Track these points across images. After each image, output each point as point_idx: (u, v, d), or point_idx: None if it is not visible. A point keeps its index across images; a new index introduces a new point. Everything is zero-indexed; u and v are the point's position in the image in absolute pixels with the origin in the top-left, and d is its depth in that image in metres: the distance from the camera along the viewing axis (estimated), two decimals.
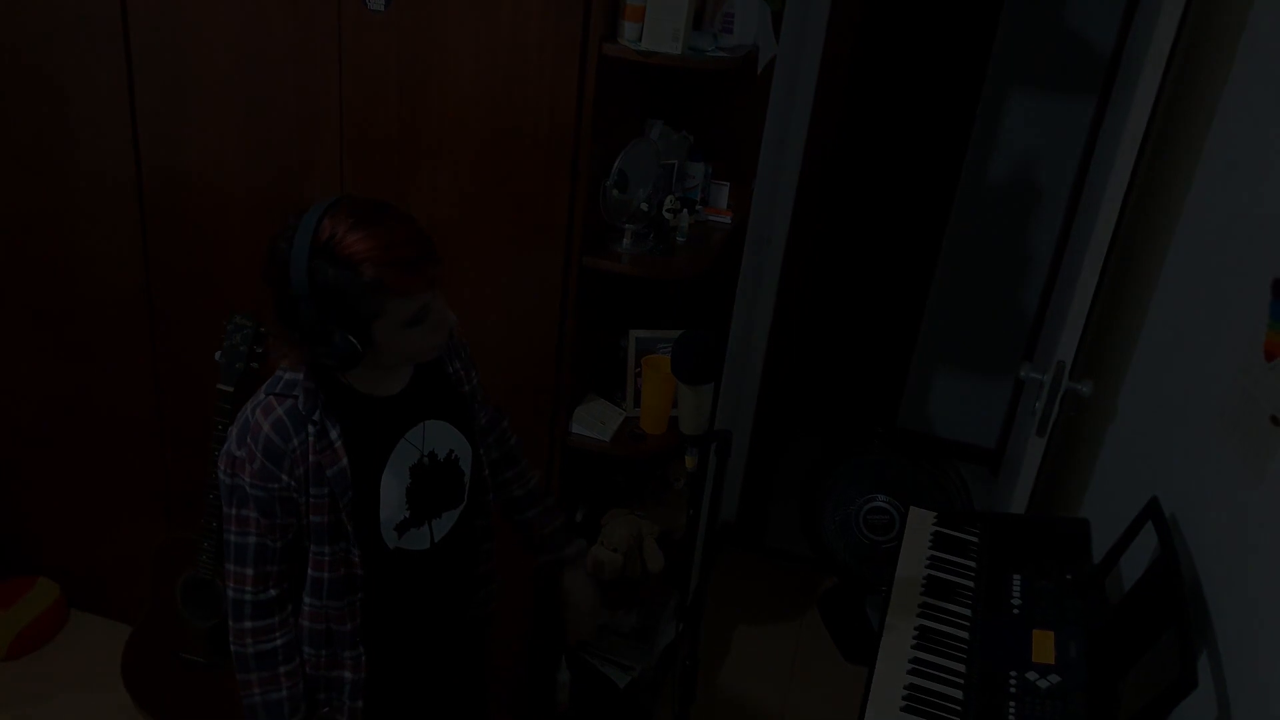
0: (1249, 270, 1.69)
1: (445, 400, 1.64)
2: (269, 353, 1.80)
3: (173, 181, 2.39)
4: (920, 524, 2.20)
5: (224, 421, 2.27)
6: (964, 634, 1.91)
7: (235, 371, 2.26)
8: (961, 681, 1.80)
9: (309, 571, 1.54)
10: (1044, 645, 1.79)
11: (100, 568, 2.95)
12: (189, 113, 2.31)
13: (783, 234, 3.26)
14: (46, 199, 2.52)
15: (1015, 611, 1.90)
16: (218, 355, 2.28)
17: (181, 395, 2.62)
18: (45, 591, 2.95)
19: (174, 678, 2.57)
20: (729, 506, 3.67)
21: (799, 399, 4.19)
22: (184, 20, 2.22)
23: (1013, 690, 1.71)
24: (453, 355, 1.68)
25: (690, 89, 2.54)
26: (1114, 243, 2.18)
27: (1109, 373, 2.48)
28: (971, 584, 2.03)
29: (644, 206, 2.25)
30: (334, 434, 1.48)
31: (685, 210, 2.38)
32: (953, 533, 2.17)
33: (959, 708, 1.75)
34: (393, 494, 1.55)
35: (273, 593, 1.54)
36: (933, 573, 2.04)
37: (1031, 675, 1.73)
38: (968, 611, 1.96)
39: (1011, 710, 1.68)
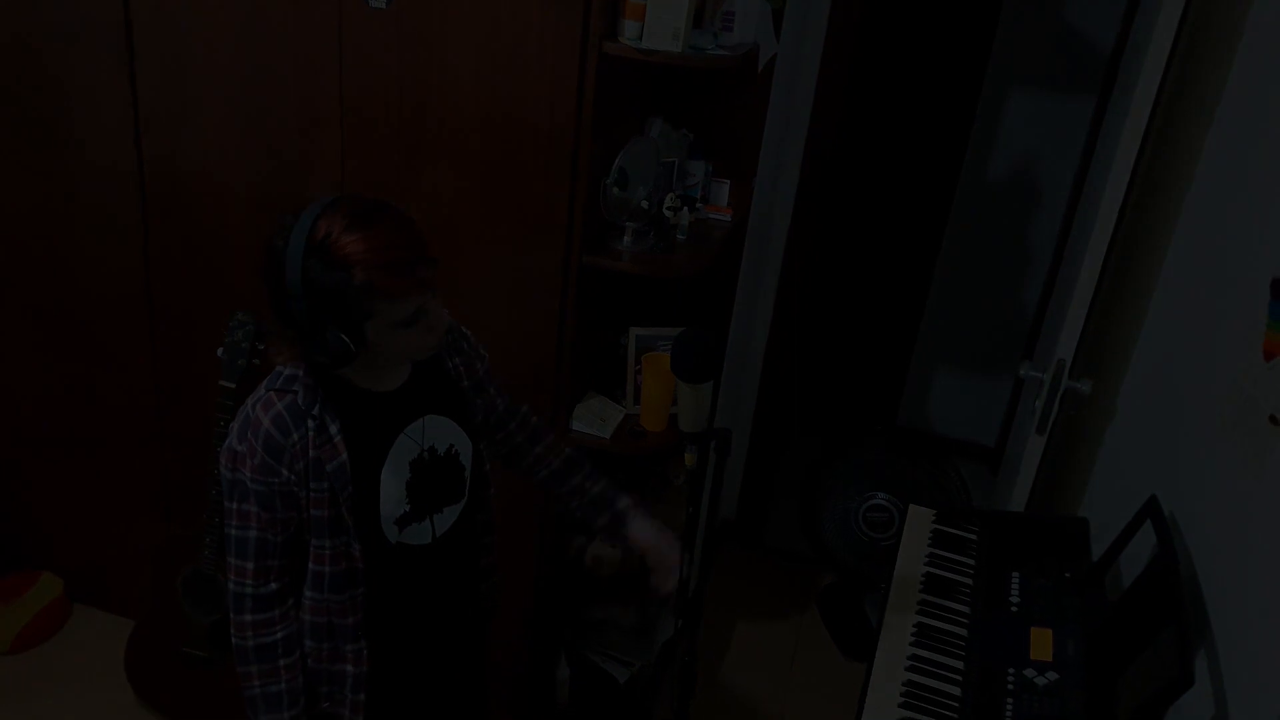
0: (1248, 269, 1.70)
1: (445, 395, 1.65)
2: (270, 349, 1.80)
3: (174, 178, 2.40)
4: (919, 522, 2.20)
5: (226, 418, 2.28)
6: (962, 631, 1.91)
7: (237, 368, 2.27)
8: (960, 678, 1.80)
9: (310, 565, 1.55)
10: (1042, 643, 1.80)
11: (103, 562, 2.96)
12: (191, 110, 2.31)
13: (783, 232, 3.27)
14: (48, 196, 2.52)
15: (1014, 609, 1.91)
16: (219, 352, 2.28)
17: (183, 391, 2.62)
18: (48, 586, 2.96)
19: (177, 672, 2.58)
20: (729, 504, 3.68)
21: (799, 396, 4.19)
22: (186, 18, 2.23)
23: (1010, 687, 1.72)
24: (451, 351, 1.68)
25: (691, 87, 2.55)
26: (1114, 241, 2.18)
27: (1109, 371, 2.49)
28: (970, 581, 2.03)
29: (644, 204, 2.26)
30: (333, 429, 1.49)
31: (685, 208, 2.38)
32: (952, 530, 2.17)
33: (957, 704, 1.75)
34: (392, 488, 1.55)
35: (273, 586, 1.55)
36: (931, 570, 2.05)
37: (1029, 672, 1.73)
38: (966, 609, 1.97)
39: (1009, 707, 1.68)
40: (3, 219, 2.58)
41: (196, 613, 2.48)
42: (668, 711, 1.78)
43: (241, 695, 1.59)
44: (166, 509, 2.79)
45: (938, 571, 2.05)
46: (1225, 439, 1.69)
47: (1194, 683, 1.49)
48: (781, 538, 3.72)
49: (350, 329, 1.41)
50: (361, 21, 2.12)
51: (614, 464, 2.76)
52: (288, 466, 1.47)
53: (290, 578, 1.57)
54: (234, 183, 2.35)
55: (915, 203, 4.06)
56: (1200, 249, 2.06)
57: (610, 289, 2.43)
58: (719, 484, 1.64)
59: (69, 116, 2.42)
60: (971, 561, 2.09)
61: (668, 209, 2.32)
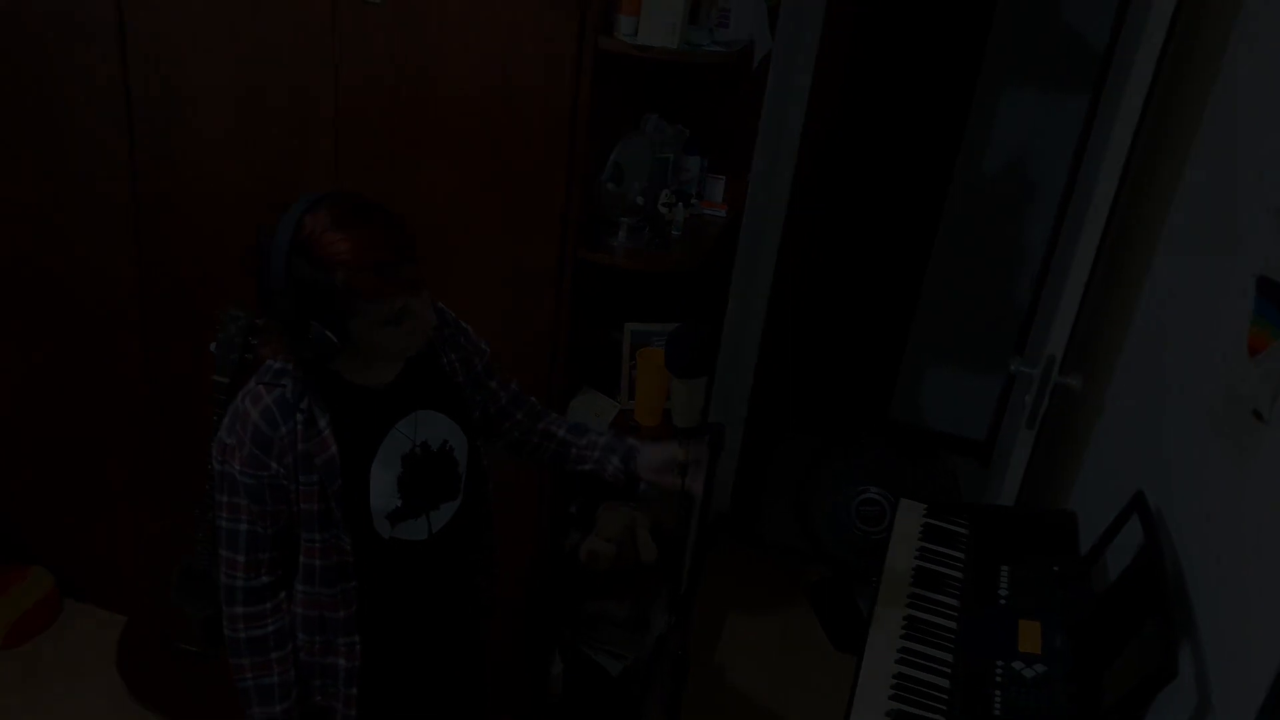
0: (1235, 267, 1.71)
1: (439, 391, 1.65)
2: (261, 344, 1.81)
3: (167, 172, 2.40)
4: (910, 515, 2.22)
5: (219, 412, 2.28)
6: (952, 624, 1.93)
7: (229, 362, 2.27)
8: (949, 671, 1.82)
9: (300, 558, 1.56)
10: (1030, 635, 1.81)
11: (95, 557, 2.96)
12: (184, 104, 2.32)
13: (777, 228, 3.28)
14: (40, 190, 2.52)
15: (1002, 602, 1.93)
16: (212, 346, 2.29)
17: (176, 386, 2.63)
18: (39, 581, 2.96)
19: (169, 667, 2.58)
20: (722, 498, 3.69)
21: (793, 391, 4.21)
22: (179, 12, 2.23)
23: (999, 680, 1.74)
24: (447, 346, 1.68)
25: (686, 83, 2.56)
26: (1104, 238, 2.20)
27: (1098, 367, 2.51)
28: (960, 575, 2.05)
29: (639, 200, 2.27)
30: (322, 422, 1.50)
31: (680, 204, 2.39)
32: (942, 524, 2.19)
33: (946, 697, 1.77)
34: (383, 483, 1.56)
35: (265, 579, 1.56)
36: (922, 564, 2.07)
37: (1017, 665, 1.75)
38: (956, 602, 1.99)
39: (997, 699, 1.70)
40: None
41: (190, 607, 2.48)
42: (660, 704, 1.80)
43: (234, 686, 1.61)
44: (159, 504, 2.79)
45: (928, 565, 2.07)
46: (1211, 434, 1.71)
47: (1178, 674, 1.51)
48: (775, 531, 3.74)
49: (334, 325, 1.41)
50: (357, 16, 2.12)
51: None
52: (276, 459, 1.48)
53: (282, 571, 1.58)
54: (227, 177, 2.35)
55: (909, 199, 4.07)
56: (1189, 247, 2.07)
57: (605, 284, 2.44)
58: (712, 478, 1.65)
59: (61, 112, 2.42)
60: (961, 555, 2.11)
61: (663, 205, 2.33)
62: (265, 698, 1.60)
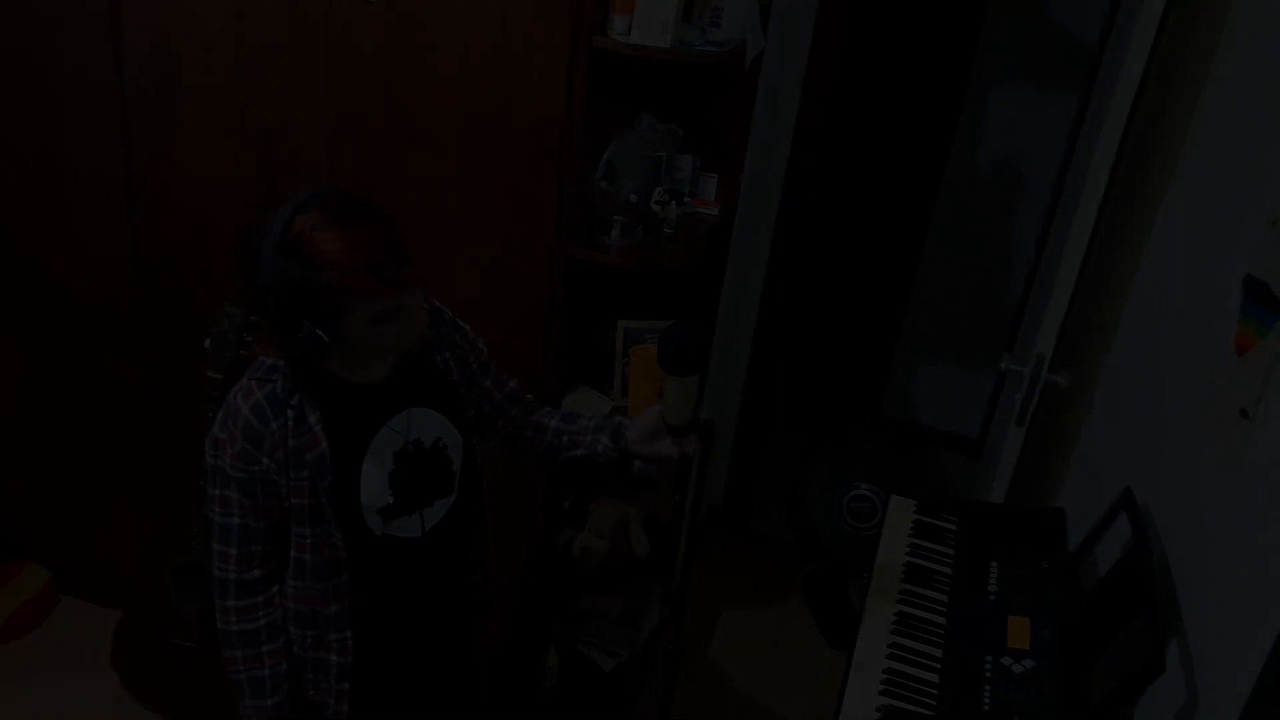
0: (1223, 266, 1.73)
1: (432, 389, 1.66)
2: (255, 340, 1.81)
3: (162, 169, 2.40)
4: (901, 511, 2.24)
5: (213, 408, 2.29)
6: (941, 619, 1.95)
7: (224, 359, 2.27)
8: (938, 666, 1.84)
9: (291, 553, 1.57)
10: (1019, 631, 1.83)
11: (89, 553, 2.96)
12: (178, 100, 2.32)
13: (770, 226, 3.29)
14: (35, 186, 2.52)
15: (991, 598, 1.94)
16: (207, 343, 2.29)
17: (171, 382, 2.63)
18: (34, 576, 2.97)
19: (164, 663, 2.59)
20: (715, 494, 3.71)
21: (786, 388, 4.22)
22: (174, 9, 2.23)
23: (988, 675, 1.75)
24: (442, 345, 1.69)
25: (679, 82, 2.57)
26: (1094, 236, 2.21)
27: (1088, 365, 2.52)
28: (949, 571, 2.07)
29: (633, 198, 2.28)
30: (313, 418, 1.51)
31: (673, 202, 2.40)
32: (932, 520, 2.21)
33: (936, 691, 1.79)
34: (374, 479, 1.57)
35: (257, 573, 1.57)
36: (912, 559, 2.08)
37: (1006, 660, 1.77)
38: (945, 597, 2.00)
39: (986, 694, 1.72)
40: None
41: (185, 603, 2.49)
42: (654, 699, 1.81)
43: (228, 679, 1.62)
44: (155, 499, 2.80)
45: (918, 561, 2.08)
46: (1198, 432, 1.73)
47: (1165, 669, 1.52)
48: (768, 527, 3.75)
49: (325, 324, 1.42)
50: (350, 14, 2.13)
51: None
52: (267, 454, 1.49)
53: (274, 565, 1.59)
54: (222, 174, 2.36)
55: (900, 197, 4.09)
56: (1177, 246, 2.09)
57: (599, 282, 2.45)
58: (705, 475, 1.66)
59: (54, 109, 2.42)
60: (951, 551, 2.12)
61: (655, 203, 2.34)
62: (257, 690, 1.61)
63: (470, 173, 2.19)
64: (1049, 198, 3.81)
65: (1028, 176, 3.87)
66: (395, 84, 2.16)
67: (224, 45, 2.23)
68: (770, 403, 3.75)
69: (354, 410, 1.55)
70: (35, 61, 2.38)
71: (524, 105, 2.10)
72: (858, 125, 4.01)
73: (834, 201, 4.11)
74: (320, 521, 1.55)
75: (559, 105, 2.08)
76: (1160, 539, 1.79)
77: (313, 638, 1.63)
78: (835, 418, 4.37)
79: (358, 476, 1.55)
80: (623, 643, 2.80)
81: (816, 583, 3.46)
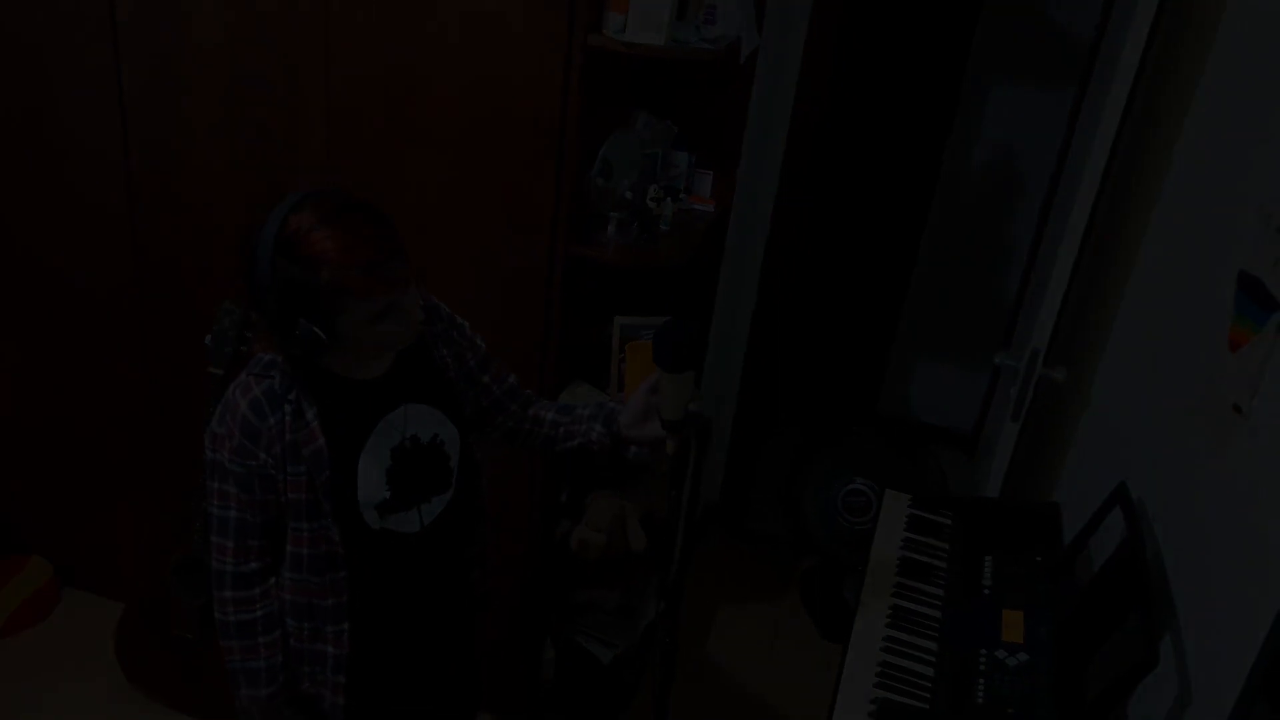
0: (1217, 262, 1.74)
1: (430, 385, 1.66)
2: (255, 337, 1.81)
3: (161, 167, 2.41)
4: (896, 506, 2.25)
5: (214, 404, 2.29)
6: (936, 613, 1.96)
7: (224, 355, 2.28)
8: (933, 659, 1.85)
9: (288, 547, 1.58)
10: (1014, 625, 1.84)
11: (92, 546, 2.97)
12: (177, 97, 2.32)
13: (765, 223, 3.30)
14: (36, 185, 2.53)
15: (986, 592, 1.95)
16: (207, 339, 2.30)
17: (172, 377, 2.64)
18: (38, 570, 2.98)
19: (167, 655, 2.60)
20: (711, 490, 3.72)
21: (782, 384, 4.23)
22: (172, 6, 2.23)
23: (982, 668, 1.76)
24: (440, 341, 1.70)
25: (674, 79, 2.57)
26: (1089, 233, 2.22)
27: (1083, 360, 2.53)
28: (944, 565, 2.08)
29: (628, 195, 2.28)
30: (310, 414, 1.51)
31: (669, 199, 2.41)
32: (927, 515, 2.22)
33: (930, 685, 1.80)
34: (370, 475, 1.57)
35: (254, 565, 1.58)
36: (907, 554, 2.09)
37: (1001, 654, 1.78)
38: (940, 592, 2.01)
39: (981, 687, 1.73)
40: None
41: (187, 596, 2.50)
42: (650, 692, 1.82)
43: (224, 669, 1.63)
44: (157, 493, 2.81)
45: (913, 555, 2.09)
46: (1192, 428, 1.74)
47: (1159, 664, 1.54)
48: (763, 523, 3.76)
49: (322, 323, 1.43)
50: (348, 13, 2.13)
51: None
52: (265, 450, 1.50)
53: (272, 557, 1.60)
54: (221, 173, 2.36)
55: (896, 193, 4.10)
56: (1173, 241, 2.10)
57: (595, 279, 2.46)
58: (701, 470, 1.67)
59: (54, 105, 2.42)
60: (946, 546, 2.13)
61: (651, 200, 2.35)
62: (252, 680, 1.62)
63: (467, 170, 2.20)
64: (1045, 194, 3.82)
65: (1023, 173, 3.88)
66: (393, 83, 2.16)
67: (223, 42, 2.23)
68: (766, 399, 3.76)
69: (351, 406, 1.56)
70: (34, 60, 2.38)
71: (520, 103, 2.10)
72: (853, 121, 4.01)
73: (830, 198, 4.11)
74: (317, 516, 1.56)
75: (555, 103, 2.08)
76: (1155, 533, 1.80)
77: (309, 630, 1.64)
78: (831, 414, 4.39)
79: (355, 472, 1.56)
80: (620, 635, 2.81)
81: (812, 579, 3.47)
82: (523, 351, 2.31)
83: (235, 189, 2.37)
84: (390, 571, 1.68)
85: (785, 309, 3.56)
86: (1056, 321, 2.27)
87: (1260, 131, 1.72)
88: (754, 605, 3.41)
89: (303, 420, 1.51)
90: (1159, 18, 2.03)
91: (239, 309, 2.29)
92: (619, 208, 2.29)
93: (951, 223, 4.04)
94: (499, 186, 2.19)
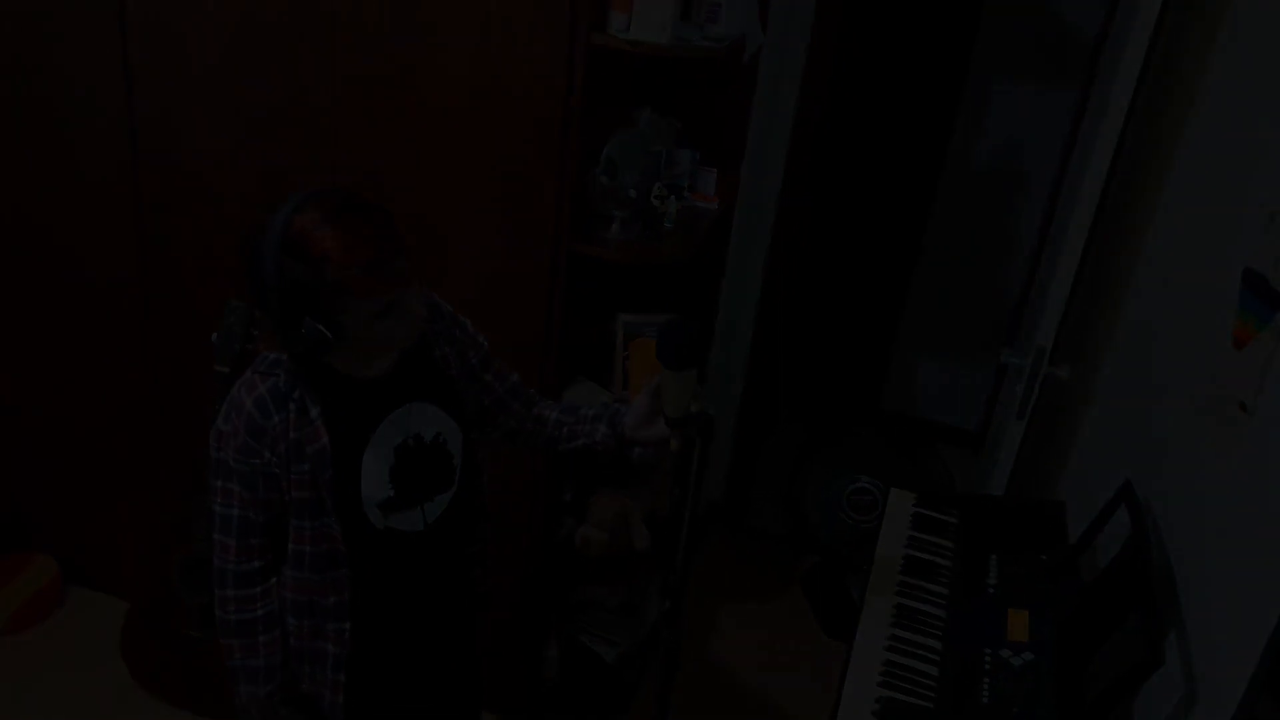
0: (1222, 259, 1.73)
1: (432, 383, 1.66)
2: (261, 336, 1.82)
3: (168, 164, 2.41)
4: (900, 504, 2.24)
5: (220, 402, 2.30)
6: (941, 612, 1.96)
7: (230, 353, 2.28)
8: (937, 658, 1.85)
9: (290, 545, 1.58)
10: (1019, 624, 1.84)
11: (97, 544, 2.98)
12: (182, 99, 2.32)
13: (769, 220, 3.29)
14: (40, 184, 2.53)
15: (991, 591, 1.95)
16: (214, 337, 2.30)
17: (178, 375, 2.64)
18: (43, 568, 2.98)
19: (173, 653, 2.61)
20: (715, 487, 3.72)
21: (785, 381, 4.23)
22: (179, 4, 2.23)
23: (987, 667, 1.76)
24: (441, 339, 1.69)
25: (678, 77, 2.57)
26: (1094, 230, 2.22)
27: (1088, 358, 2.53)
28: (949, 564, 2.08)
29: (632, 193, 2.28)
30: (314, 413, 1.52)
31: (673, 197, 2.40)
32: (932, 514, 2.21)
33: (934, 683, 1.80)
34: (374, 473, 1.58)
35: (255, 564, 1.58)
36: (911, 552, 2.09)
37: (1005, 653, 1.77)
38: (945, 590, 2.01)
39: (985, 687, 1.73)
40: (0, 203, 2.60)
41: (189, 594, 2.50)
42: (654, 689, 1.82)
43: (224, 665, 1.63)
44: (162, 491, 2.81)
45: (917, 554, 2.09)
46: (1198, 425, 1.73)
47: (1164, 662, 1.53)
48: (766, 520, 3.76)
49: (326, 321, 1.43)
50: (352, 11, 2.13)
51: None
52: (269, 448, 1.50)
53: (273, 556, 1.60)
54: (228, 169, 2.36)
55: (900, 191, 4.09)
56: (1177, 240, 2.10)
57: (599, 276, 2.46)
58: (705, 467, 1.67)
59: (62, 103, 2.42)
60: (950, 544, 2.13)
61: (655, 198, 2.35)
62: (251, 678, 1.63)
63: (470, 168, 2.19)
64: (1049, 191, 3.82)
65: (1028, 170, 3.87)
66: (396, 81, 2.16)
67: (228, 44, 2.23)
68: (770, 396, 3.76)
69: (355, 405, 1.56)
70: (43, 59, 2.39)
71: (524, 102, 2.10)
72: (857, 119, 4.01)
73: (833, 195, 4.11)
74: (320, 514, 1.56)
75: (558, 101, 2.08)
76: (1160, 531, 1.80)
77: (310, 627, 1.64)
78: (835, 411, 4.38)
79: (358, 470, 1.56)
80: (623, 633, 2.81)
81: (815, 576, 3.47)
82: (526, 349, 2.31)
83: (238, 190, 2.37)
84: (392, 570, 1.68)
85: (789, 306, 3.56)
86: (1061, 320, 2.27)
87: (1265, 129, 1.71)
88: (757, 601, 3.41)
89: (307, 418, 1.51)
90: (1163, 15, 2.02)
91: (245, 307, 2.29)
92: (623, 205, 2.28)
93: (955, 219, 4.04)
94: (502, 184, 2.19)
